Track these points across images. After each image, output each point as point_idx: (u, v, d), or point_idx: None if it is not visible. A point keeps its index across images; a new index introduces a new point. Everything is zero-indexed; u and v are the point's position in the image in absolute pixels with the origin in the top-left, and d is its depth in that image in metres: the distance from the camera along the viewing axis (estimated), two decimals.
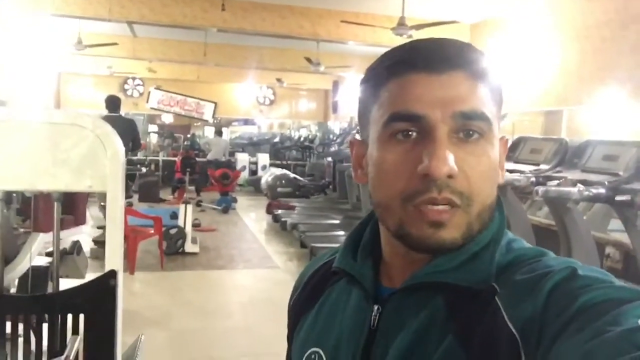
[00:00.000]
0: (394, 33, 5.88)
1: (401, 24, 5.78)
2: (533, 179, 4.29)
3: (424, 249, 0.58)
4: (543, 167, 4.60)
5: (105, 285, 1.75)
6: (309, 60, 8.73)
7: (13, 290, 2.43)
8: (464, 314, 0.55)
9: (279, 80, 13.30)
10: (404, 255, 0.62)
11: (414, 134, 0.57)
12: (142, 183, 11.05)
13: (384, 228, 0.64)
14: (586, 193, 3.47)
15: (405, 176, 0.56)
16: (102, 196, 1.75)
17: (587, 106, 5.90)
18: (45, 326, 1.73)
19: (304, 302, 0.75)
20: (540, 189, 3.76)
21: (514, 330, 0.50)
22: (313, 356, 0.68)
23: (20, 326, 1.73)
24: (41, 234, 2.27)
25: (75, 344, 1.55)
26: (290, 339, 0.78)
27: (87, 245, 5.09)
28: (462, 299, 0.57)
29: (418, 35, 6.09)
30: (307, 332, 0.71)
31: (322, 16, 7.30)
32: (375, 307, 0.63)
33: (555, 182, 4.04)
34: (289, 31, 7.33)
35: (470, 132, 0.57)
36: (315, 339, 0.69)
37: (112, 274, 1.76)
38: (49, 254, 2.96)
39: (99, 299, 1.75)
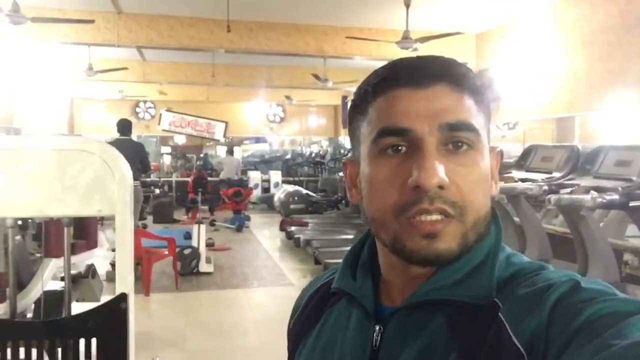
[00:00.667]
0: (399, 47, 5.90)
1: (406, 37, 5.80)
2: (545, 187, 4.26)
3: (420, 261, 0.58)
4: (555, 174, 4.56)
5: (116, 309, 1.76)
6: (316, 76, 8.79)
7: (30, 315, 2.45)
8: (467, 331, 0.55)
9: (288, 97, 13.39)
10: (402, 272, 0.62)
11: (404, 148, 0.57)
12: (156, 204, 11.13)
13: (380, 244, 0.64)
14: (599, 200, 3.42)
15: (397, 190, 0.57)
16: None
17: (597, 112, 5.85)
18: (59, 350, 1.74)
19: (304, 325, 0.74)
20: (553, 197, 3.72)
21: (519, 346, 0.50)
22: None
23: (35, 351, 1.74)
24: (54, 259, 2.30)
25: None
26: None
27: (103, 268, 5.12)
28: (465, 315, 0.56)
29: (423, 48, 6.11)
30: (308, 356, 0.70)
31: (327, 33, 7.36)
32: (377, 327, 0.62)
33: (568, 189, 4.01)
34: (294, 49, 7.40)
35: (459, 144, 0.57)
36: None
37: (123, 297, 1.77)
38: (63, 279, 2.99)
39: (110, 323, 1.75)
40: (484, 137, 0.59)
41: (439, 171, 0.55)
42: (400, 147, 0.57)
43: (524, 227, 5.00)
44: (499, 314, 0.53)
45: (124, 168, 1.76)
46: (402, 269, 0.61)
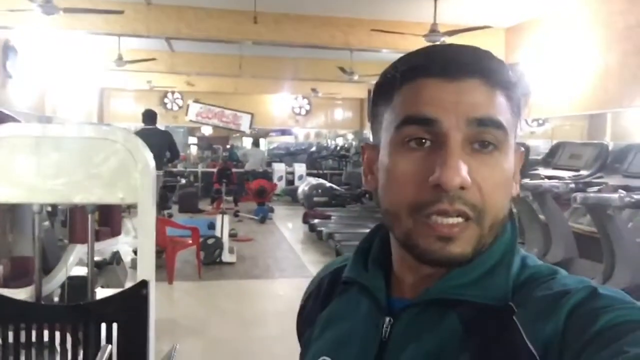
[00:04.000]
0: (425, 40, 5.83)
1: (433, 30, 5.74)
2: (572, 185, 4.18)
3: (431, 262, 0.57)
4: (583, 172, 4.47)
5: (137, 295, 1.79)
6: (342, 69, 8.76)
7: (56, 299, 2.52)
8: (481, 333, 0.55)
9: (314, 90, 13.39)
10: (414, 268, 0.61)
11: (428, 142, 0.55)
12: (181, 194, 11.28)
13: (393, 237, 0.63)
14: (627, 199, 3.35)
15: (416, 186, 0.55)
16: None
17: (629, 109, 5.70)
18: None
19: (314, 309, 0.75)
20: (579, 195, 3.66)
21: (533, 351, 0.50)
22: None
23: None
24: (79, 245, 2.35)
25: (106, 353, 1.59)
26: (300, 344, 0.78)
27: (129, 256, 5.21)
28: (479, 316, 0.56)
29: (450, 41, 6.02)
30: (317, 340, 0.71)
31: (353, 25, 7.31)
32: (387, 319, 0.62)
33: (595, 188, 3.93)
34: (320, 41, 7.37)
35: (486, 143, 0.55)
36: (326, 347, 0.68)
37: (144, 283, 1.80)
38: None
39: (131, 308, 1.79)
40: (511, 138, 0.57)
41: (462, 171, 0.53)
42: (424, 141, 0.55)
43: (549, 225, 4.92)
44: (514, 317, 0.53)
45: (147, 157, 1.79)
46: (414, 265, 0.61)
